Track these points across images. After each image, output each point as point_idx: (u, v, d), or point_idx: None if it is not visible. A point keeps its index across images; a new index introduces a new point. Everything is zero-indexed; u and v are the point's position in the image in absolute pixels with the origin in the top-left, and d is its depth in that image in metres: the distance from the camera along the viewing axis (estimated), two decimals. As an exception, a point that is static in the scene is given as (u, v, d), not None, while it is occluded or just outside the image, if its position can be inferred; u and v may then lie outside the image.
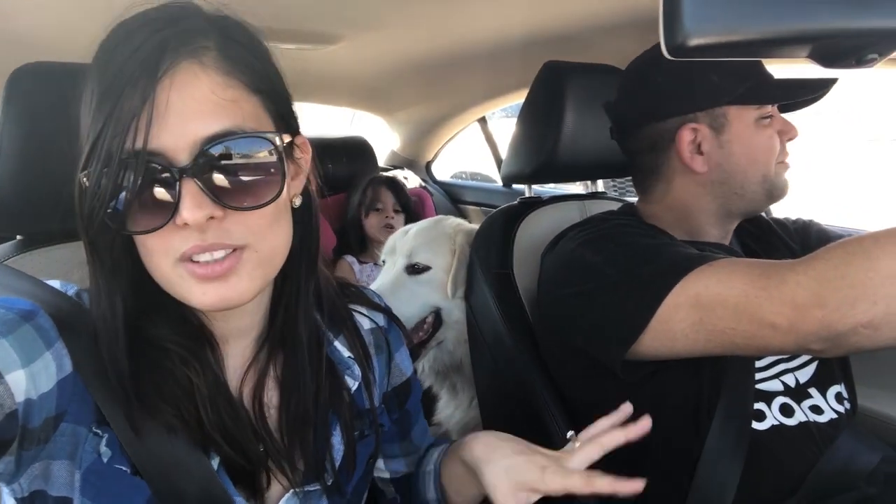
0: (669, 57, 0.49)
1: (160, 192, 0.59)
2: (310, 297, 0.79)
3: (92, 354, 0.64)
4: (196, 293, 0.63)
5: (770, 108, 1.13)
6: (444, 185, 3.36)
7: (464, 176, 3.58)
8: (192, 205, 0.59)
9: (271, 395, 0.77)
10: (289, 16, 1.52)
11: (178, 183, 0.59)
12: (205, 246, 0.61)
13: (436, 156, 3.37)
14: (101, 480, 0.64)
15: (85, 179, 0.60)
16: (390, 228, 2.42)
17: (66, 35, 1.46)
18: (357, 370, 0.84)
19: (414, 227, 1.70)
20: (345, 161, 2.74)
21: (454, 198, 3.27)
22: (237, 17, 0.68)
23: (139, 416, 0.64)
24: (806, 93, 1.12)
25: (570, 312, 1.08)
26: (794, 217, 1.35)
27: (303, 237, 0.76)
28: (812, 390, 1.08)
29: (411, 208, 2.56)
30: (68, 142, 0.89)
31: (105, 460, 0.64)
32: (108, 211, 0.59)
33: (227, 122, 0.61)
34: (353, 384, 0.83)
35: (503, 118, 3.44)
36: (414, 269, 1.62)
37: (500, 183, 3.11)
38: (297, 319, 0.77)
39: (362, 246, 2.52)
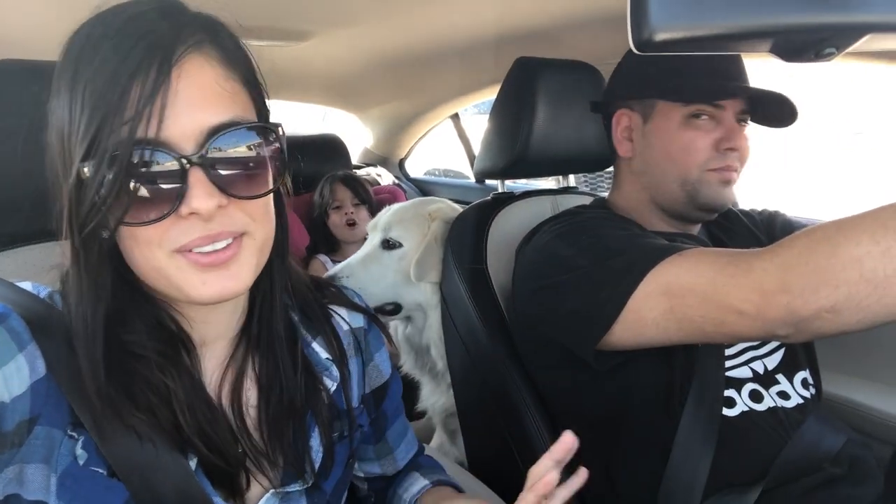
0: (636, 52, 0.50)
1: (165, 182, 0.59)
2: (283, 293, 0.79)
3: (66, 356, 0.63)
4: (195, 283, 0.63)
5: (710, 110, 1.11)
6: (417, 182, 3.37)
7: (437, 173, 3.59)
8: (203, 194, 0.59)
9: (250, 395, 0.76)
10: (259, 13, 1.52)
11: (186, 172, 0.59)
12: (211, 236, 0.61)
13: (409, 153, 3.37)
14: (77, 483, 0.63)
15: (86, 170, 0.58)
16: (353, 225, 2.43)
17: (33, 33, 1.43)
18: (335, 371, 0.83)
19: (396, 205, 1.74)
20: (318, 159, 2.72)
21: (427, 194, 3.27)
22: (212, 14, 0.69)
23: (114, 420, 0.63)
24: (722, 96, 1.12)
25: (545, 304, 1.10)
26: (759, 208, 1.38)
27: (275, 228, 0.76)
28: (779, 376, 1.11)
29: (372, 201, 2.54)
30: (37, 141, 0.87)
31: (81, 463, 0.63)
32: (111, 205, 0.58)
33: (230, 113, 0.61)
34: (332, 385, 0.82)
35: (476, 115, 3.46)
36: (388, 245, 1.65)
37: (472, 179, 3.13)
38: (273, 315, 0.77)
39: (331, 245, 2.51)
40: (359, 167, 3.24)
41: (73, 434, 0.63)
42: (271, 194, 0.68)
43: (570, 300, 1.03)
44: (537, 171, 1.62)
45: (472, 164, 3.08)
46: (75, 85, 0.59)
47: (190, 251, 0.62)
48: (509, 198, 1.55)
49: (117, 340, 0.65)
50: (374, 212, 2.51)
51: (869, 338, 1.39)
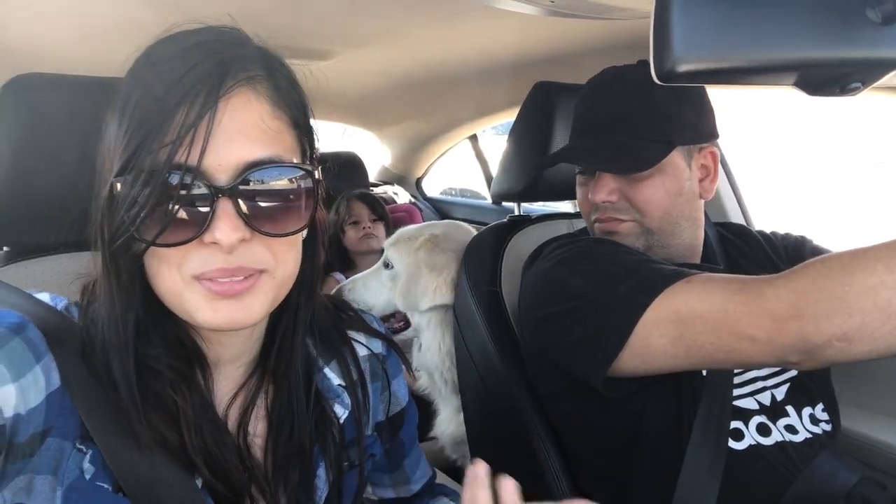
0: (658, 82, 0.50)
1: (194, 209, 0.59)
2: (306, 328, 0.78)
3: (81, 369, 0.63)
4: (206, 310, 0.62)
5: (587, 169, 1.20)
6: (433, 202, 3.38)
7: (453, 192, 3.60)
8: (228, 227, 0.59)
9: (257, 425, 0.75)
10: (282, 31, 1.54)
11: (215, 202, 0.59)
12: (230, 269, 0.61)
13: (426, 172, 3.38)
14: (83, 498, 0.63)
15: (119, 186, 0.59)
16: (371, 238, 2.45)
17: (61, 47, 1.46)
18: (347, 399, 0.82)
19: (404, 228, 1.75)
20: (336, 176, 2.74)
21: (444, 214, 3.28)
22: (278, 52, 0.70)
23: (124, 434, 0.63)
24: (559, 161, 1.22)
25: (550, 332, 1.09)
26: (783, 232, 1.34)
27: (304, 268, 0.75)
28: (788, 408, 1.09)
29: (388, 217, 2.56)
30: (61, 153, 0.89)
31: (87, 477, 0.63)
32: (140, 223, 0.59)
33: (270, 150, 0.62)
34: (343, 413, 0.81)
35: (494, 136, 3.47)
36: (387, 265, 1.67)
37: (489, 200, 3.13)
38: (294, 352, 0.77)
39: (345, 263, 2.52)
40: (376, 185, 3.26)
41: (82, 447, 0.63)
42: (299, 234, 0.68)
43: (577, 328, 1.02)
44: (554, 194, 1.62)
45: (489, 185, 3.08)
46: (127, 103, 0.61)
47: (206, 278, 0.62)
48: (525, 220, 1.55)
49: (135, 353, 0.65)
50: (390, 229, 2.53)
51: (889, 372, 1.36)
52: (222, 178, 0.59)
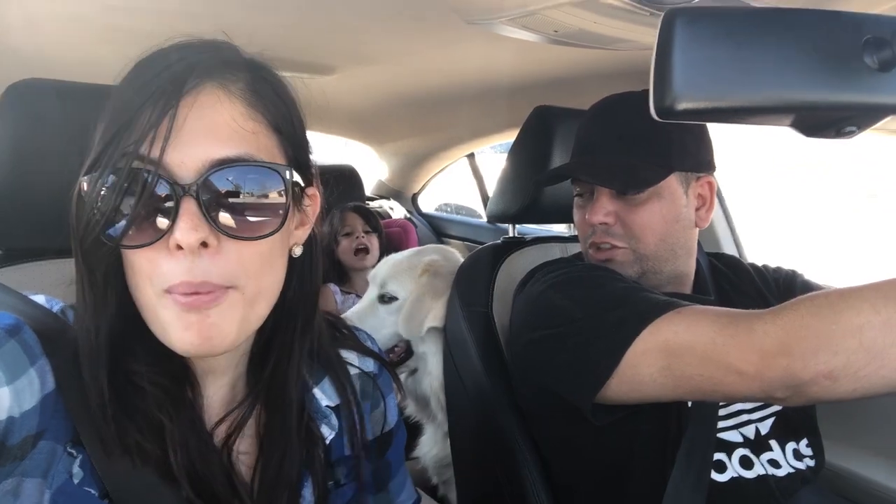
0: (657, 118, 0.51)
1: (158, 208, 0.58)
2: (303, 356, 0.76)
3: (74, 373, 0.63)
4: (177, 328, 0.61)
5: (582, 186, 1.21)
6: (429, 218, 3.38)
7: (449, 209, 3.61)
8: (188, 226, 0.57)
9: (244, 442, 0.74)
10: (286, 45, 1.55)
11: (178, 201, 0.58)
12: (194, 283, 0.59)
13: (422, 188, 3.39)
14: (70, 501, 0.62)
15: (85, 185, 0.59)
16: (364, 251, 2.45)
17: (61, 53, 1.47)
18: (334, 420, 0.81)
19: (393, 257, 1.73)
20: (332, 189, 2.74)
21: (439, 231, 3.29)
22: (270, 63, 0.69)
23: (113, 443, 0.62)
24: (554, 181, 1.25)
25: (539, 356, 1.09)
26: (774, 266, 1.35)
27: (300, 290, 0.74)
28: (772, 442, 1.09)
29: (382, 230, 2.56)
30: (57, 159, 0.89)
31: (76, 482, 0.62)
32: (104, 221, 0.58)
33: (240, 149, 0.60)
34: (329, 434, 0.80)
35: (493, 154, 3.49)
36: (384, 299, 1.65)
37: (484, 218, 3.14)
38: (289, 380, 0.74)
39: (340, 274, 2.51)
40: (372, 199, 3.27)
41: (72, 451, 0.63)
42: (276, 249, 0.66)
43: (566, 352, 1.02)
44: (549, 217, 1.62)
45: (485, 204, 3.09)
46: (109, 106, 0.61)
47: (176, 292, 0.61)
48: (520, 242, 1.55)
49: (122, 369, 0.64)
50: (383, 242, 2.53)
51: (874, 409, 1.37)
52: (187, 176, 0.58)
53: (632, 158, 1.13)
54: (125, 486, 0.63)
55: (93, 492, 0.63)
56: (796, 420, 1.14)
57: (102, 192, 0.58)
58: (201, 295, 0.60)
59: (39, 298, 0.70)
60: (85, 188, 0.59)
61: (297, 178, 0.66)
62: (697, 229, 1.20)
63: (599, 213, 1.15)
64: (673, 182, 1.14)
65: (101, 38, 1.38)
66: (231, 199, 0.60)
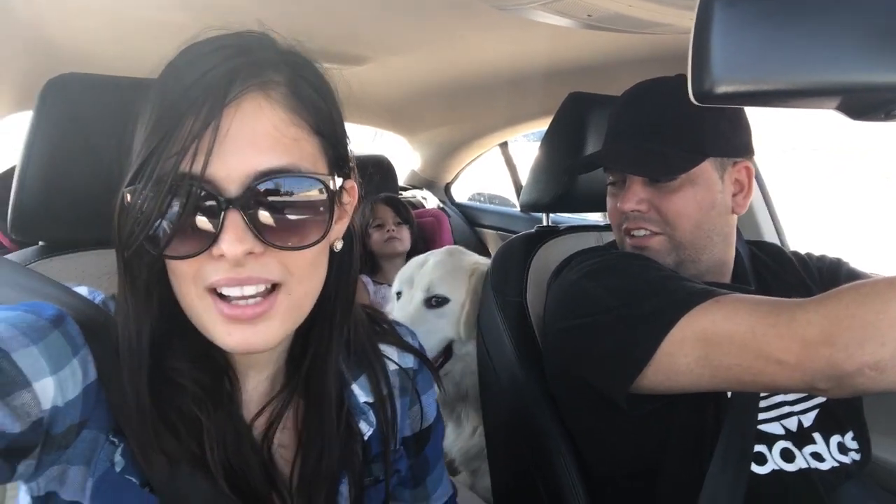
0: (696, 103, 0.49)
1: (202, 220, 0.58)
2: (340, 346, 0.76)
3: (114, 363, 0.64)
4: (220, 332, 0.62)
5: (614, 175, 1.19)
6: (462, 208, 3.37)
7: (482, 199, 3.59)
8: (233, 238, 0.57)
9: (284, 436, 0.75)
10: (319, 36, 1.55)
11: (222, 213, 0.57)
12: (239, 279, 0.60)
13: (455, 178, 3.38)
14: (112, 490, 0.64)
15: (129, 196, 0.59)
16: (394, 241, 2.46)
17: (100, 48, 1.50)
18: (372, 417, 0.80)
19: (431, 259, 1.68)
20: (365, 180, 2.75)
21: (472, 220, 3.28)
22: (307, 54, 0.68)
23: (147, 443, 0.63)
24: (585, 170, 1.24)
25: (574, 345, 1.07)
26: (818, 254, 1.31)
27: (339, 282, 0.73)
28: (816, 435, 1.06)
29: (413, 221, 2.57)
30: (97, 152, 0.91)
31: (118, 470, 0.64)
32: (149, 232, 0.58)
33: (283, 159, 0.60)
34: (368, 431, 0.79)
35: (526, 142, 3.46)
36: (432, 303, 1.61)
37: (518, 207, 3.12)
38: (327, 371, 0.75)
39: (372, 266, 2.53)
40: (405, 189, 3.27)
41: (114, 440, 0.64)
42: (320, 249, 0.66)
43: (601, 342, 1.00)
44: (584, 206, 1.60)
45: (517, 193, 3.07)
46: (146, 111, 0.61)
47: (218, 294, 0.61)
48: (553, 231, 1.53)
49: (161, 365, 0.65)
50: (415, 233, 2.53)
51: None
52: (231, 188, 0.58)
53: (663, 146, 1.10)
54: (164, 476, 0.64)
55: (134, 480, 0.64)
56: (841, 412, 1.10)
57: (145, 205, 0.57)
58: (248, 308, 0.61)
59: (82, 290, 0.72)
60: (128, 199, 0.59)
61: (339, 182, 0.66)
62: (735, 216, 1.17)
63: (631, 200, 1.13)
64: (707, 168, 1.11)
65: (137, 31, 1.40)
66: (275, 210, 0.59)
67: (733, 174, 1.14)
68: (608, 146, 1.21)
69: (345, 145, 0.69)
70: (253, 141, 0.59)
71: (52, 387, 0.57)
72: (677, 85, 1.15)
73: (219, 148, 0.57)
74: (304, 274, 0.64)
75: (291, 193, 0.60)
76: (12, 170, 0.97)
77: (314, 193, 0.62)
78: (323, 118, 0.65)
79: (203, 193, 0.57)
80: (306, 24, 1.44)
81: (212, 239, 0.58)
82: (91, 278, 0.98)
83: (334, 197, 0.63)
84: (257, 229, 0.59)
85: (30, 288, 0.70)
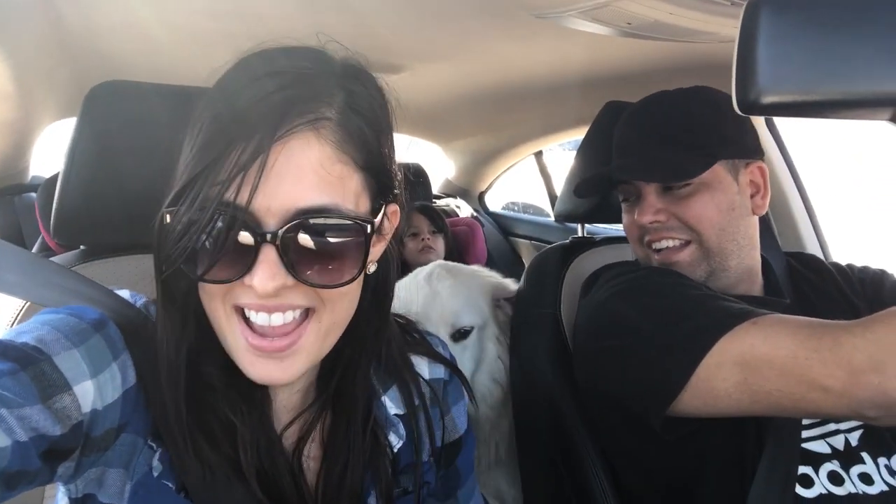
0: (740, 112, 0.48)
1: (238, 251, 0.58)
2: (371, 363, 0.76)
3: (154, 368, 0.65)
4: (244, 361, 0.63)
5: (627, 188, 1.17)
6: (495, 217, 3.36)
7: (515, 208, 3.58)
8: (266, 275, 0.58)
9: (313, 449, 0.75)
10: (355, 45, 1.56)
11: (258, 248, 0.58)
12: (268, 306, 0.61)
13: (489, 186, 3.38)
14: (149, 494, 0.65)
15: (168, 217, 0.59)
16: (429, 250, 2.46)
17: (144, 56, 1.53)
18: (402, 429, 0.80)
19: (444, 290, 1.49)
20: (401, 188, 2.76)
21: (505, 230, 3.26)
22: (367, 71, 0.67)
23: (185, 448, 0.64)
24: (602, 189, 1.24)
25: (607, 367, 1.05)
26: (860, 265, 1.26)
27: (373, 307, 0.73)
28: (864, 454, 1.02)
29: (448, 231, 2.57)
30: (139, 158, 0.92)
31: (155, 475, 0.65)
32: (185, 256, 0.58)
33: (325, 198, 0.59)
34: (398, 443, 0.79)
35: (562, 151, 3.44)
36: (458, 335, 1.44)
37: (552, 217, 3.09)
38: (356, 385, 0.75)
39: (404, 274, 2.53)
40: (439, 197, 3.28)
41: (153, 445, 0.65)
42: (365, 269, 0.65)
43: (636, 366, 0.98)
44: (620, 217, 1.58)
45: (552, 202, 3.05)
46: (196, 126, 0.61)
47: (245, 318, 0.62)
48: (589, 242, 1.51)
49: (196, 371, 0.66)
50: (449, 242, 2.53)
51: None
52: (270, 222, 0.58)
53: (674, 153, 1.10)
54: (201, 482, 0.64)
55: (170, 485, 0.65)
56: (888, 433, 1.06)
57: (185, 230, 0.58)
58: (276, 341, 0.61)
59: (124, 293, 0.73)
60: (168, 221, 0.59)
61: (380, 214, 0.65)
62: (756, 217, 1.16)
63: (648, 212, 1.11)
64: (720, 171, 1.10)
65: (183, 40, 1.43)
66: (311, 249, 0.59)
67: (747, 175, 1.14)
68: (617, 162, 1.20)
69: (391, 174, 0.68)
70: (298, 177, 0.58)
71: (91, 390, 0.58)
72: (679, 95, 1.17)
73: (263, 181, 0.56)
74: (335, 302, 0.64)
75: (329, 233, 0.60)
76: (57, 176, 1.00)
77: (352, 234, 0.61)
78: (370, 152, 0.64)
79: (242, 226, 0.57)
80: (344, 34, 1.44)
81: (246, 268, 0.58)
82: (130, 282, 0.99)
83: (371, 237, 0.63)
84: (291, 265, 0.59)
85: (74, 290, 0.72)
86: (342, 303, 0.65)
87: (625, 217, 1.20)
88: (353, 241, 0.61)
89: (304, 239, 0.59)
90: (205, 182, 0.57)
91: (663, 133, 1.12)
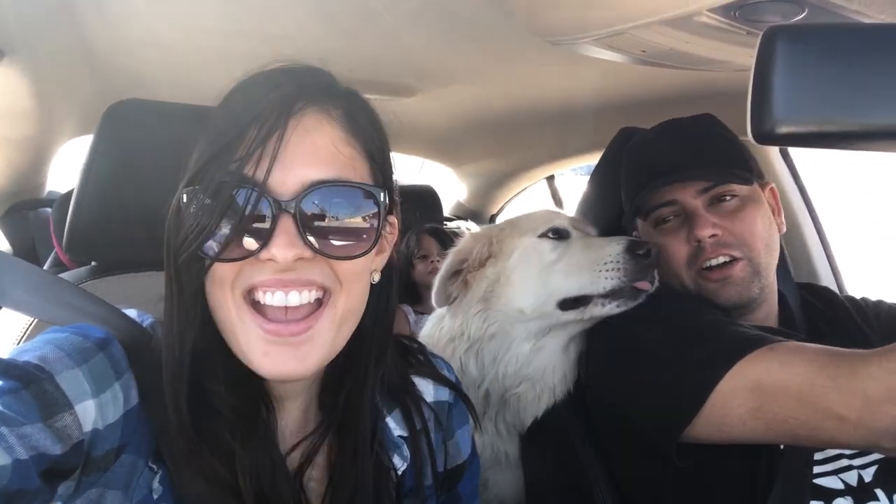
0: (755, 142, 0.47)
1: (256, 224, 0.60)
2: (377, 381, 0.76)
3: (158, 388, 0.65)
4: (257, 352, 0.62)
5: (668, 210, 1.14)
6: (506, 240, 3.34)
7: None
8: (284, 243, 0.59)
9: (316, 471, 0.74)
10: (370, 68, 1.58)
11: (275, 218, 0.59)
12: (284, 280, 0.61)
13: (501, 210, 3.37)
14: None
15: (185, 197, 0.61)
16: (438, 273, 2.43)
17: (161, 75, 1.55)
18: (406, 451, 0.79)
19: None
20: (411, 209, 2.77)
21: (516, 253, 3.24)
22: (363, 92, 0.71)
23: (184, 463, 0.64)
24: (647, 207, 1.19)
25: (620, 391, 1.04)
26: (874, 299, 1.25)
27: (377, 315, 0.74)
28: (878, 491, 0.99)
29: None
30: (153, 176, 0.93)
31: (155, 497, 0.64)
32: (204, 234, 0.60)
33: (338, 172, 0.62)
34: (402, 465, 0.78)
35: (574, 176, 3.43)
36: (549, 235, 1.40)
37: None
38: (362, 407, 0.74)
39: (413, 296, 2.52)
40: (450, 219, 3.27)
41: (153, 466, 0.64)
42: (366, 266, 0.67)
43: (648, 391, 0.97)
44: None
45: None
46: (207, 126, 0.64)
47: (256, 304, 0.62)
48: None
49: (202, 388, 0.65)
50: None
51: None
52: (286, 194, 0.60)
53: (722, 168, 1.12)
54: (199, 502, 0.64)
55: None
56: None
57: (203, 207, 0.60)
58: (290, 325, 0.62)
59: (132, 312, 0.73)
60: (185, 201, 0.61)
61: (387, 199, 0.67)
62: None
63: (706, 225, 1.09)
64: (758, 188, 1.14)
65: (199, 60, 1.45)
66: (327, 219, 0.61)
67: (767, 195, 1.18)
68: (661, 179, 1.16)
69: (392, 179, 0.71)
70: (312, 152, 0.62)
71: (93, 409, 0.58)
72: (700, 121, 1.19)
73: (280, 157, 0.60)
74: (350, 283, 0.65)
75: (343, 202, 0.62)
76: (71, 193, 1.00)
77: (365, 205, 0.64)
78: (375, 147, 0.68)
79: (260, 198, 0.59)
80: (359, 57, 1.47)
81: (263, 242, 0.60)
82: (139, 300, 1.00)
83: (383, 207, 0.65)
84: (308, 235, 0.60)
85: (81, 308, 0.72)
86: (357, 287, 0.67)
87: (670, 240, 1.15)
88: (366, 211, 0.64)
89: (318, 208, 0.61)
90: (222, 161, 0.60)
91: (702, 150, 1.14)
